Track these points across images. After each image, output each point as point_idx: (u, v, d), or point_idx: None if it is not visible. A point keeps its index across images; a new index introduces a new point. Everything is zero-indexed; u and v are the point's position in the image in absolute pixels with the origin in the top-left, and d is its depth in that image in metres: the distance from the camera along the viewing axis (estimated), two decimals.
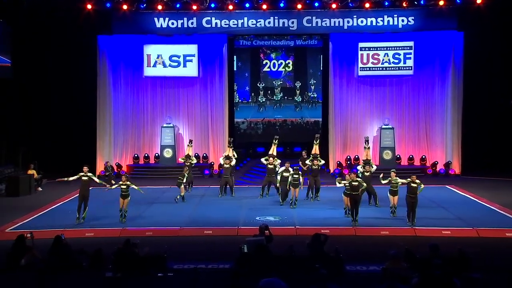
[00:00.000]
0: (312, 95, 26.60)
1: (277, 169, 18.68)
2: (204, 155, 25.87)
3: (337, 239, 12.48)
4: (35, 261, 9.74)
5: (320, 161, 18.94)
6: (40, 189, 21.76)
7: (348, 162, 25.46)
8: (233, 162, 19.86)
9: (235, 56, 26.59)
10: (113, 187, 16.19)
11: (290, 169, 17.76)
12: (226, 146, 25.23)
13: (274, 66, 26.68)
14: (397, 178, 16.49)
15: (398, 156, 25.87)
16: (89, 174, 16.03)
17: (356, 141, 25.99)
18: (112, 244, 10.78)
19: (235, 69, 26.65)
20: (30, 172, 21.59)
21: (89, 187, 16.00)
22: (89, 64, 25.15)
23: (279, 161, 19.05)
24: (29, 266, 9.51)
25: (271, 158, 18.94)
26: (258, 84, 26.72)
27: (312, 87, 26.57)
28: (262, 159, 19.61)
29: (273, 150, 19.57)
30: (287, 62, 26.67)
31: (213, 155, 25.85)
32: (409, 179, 15.71)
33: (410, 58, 25.35)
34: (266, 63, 26.68)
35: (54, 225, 15.22)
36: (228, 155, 19.90)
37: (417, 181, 15.63)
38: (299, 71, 26.77)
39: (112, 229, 15.02)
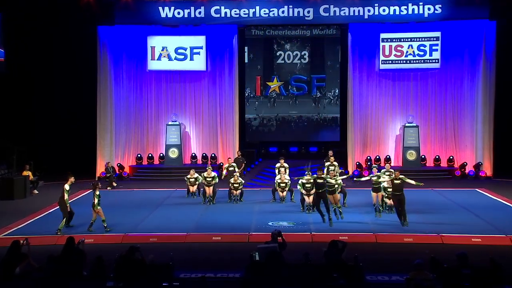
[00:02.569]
0: (329, 90, 26.54)
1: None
2: (213, 155, 25.91)
3: (356, 246, 12.43)
4: (31, 269, 9.80)
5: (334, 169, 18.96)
6: (36, 191, 21.90)
7: (368, 163, 25.38)
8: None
9: (246, 47, 26.60)
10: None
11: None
12: (236, 146, 25.43)
13: (288, 58, 26.65)
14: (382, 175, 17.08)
15: (423, 156, 25.75)
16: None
17: (377, 141, 25.94)
18: (113, 251, 10.84)
19: (246, 61, 26.67)
20: (25, 173, 21.72)
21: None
22: (89, 57, 25.29)
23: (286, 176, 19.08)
24: (24, 275, 9.57)
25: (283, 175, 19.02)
26: (271, 77, 26.70)
27: (329, 81, 26.53)
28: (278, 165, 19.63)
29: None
30: (302, 53, 26.63)
31: (222, 155, 25.88)
32: (391, 176, 16.05)
33: (436, 50, 25.21)
34: (280, 54, 26.67)
35: (52, 231, 15.30)
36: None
37: (401, 176, 15.73)
38: (316, 63, 26.72)
39: (114, 235, 15.08)
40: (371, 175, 17.60)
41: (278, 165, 19.64)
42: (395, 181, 15.86)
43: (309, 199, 17.46)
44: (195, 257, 13.22)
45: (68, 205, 15.65)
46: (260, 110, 26.71)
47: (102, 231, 15.37)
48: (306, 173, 17.59)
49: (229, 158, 22.44)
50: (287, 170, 19.32)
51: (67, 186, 15.73)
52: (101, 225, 15.42)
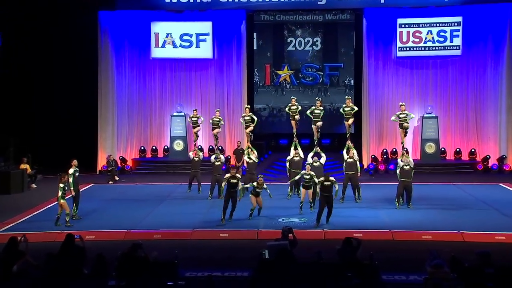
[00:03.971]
0: (343, 79, 26.45)
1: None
2: (220, 147, 25.87)
3: (371, 244, 12.41)
4: (29, 267, 9.85)
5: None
6: (34, 186, 22.03)
7: (385, 156, 25.30)
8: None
9: (255, 34, 26.53)
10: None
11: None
12: (245, 138, 25.33)
13: (300, 45, 26.56)
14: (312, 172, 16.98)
15: (442, 149, 25.64)
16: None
17: (393, 132, 25.79)
18: (115, 248, 10.87)
19: (255, 48, 26.61)
20: (22, 166, 21.84)
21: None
22: (89, 44, 25.34)
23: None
24: (22, 273, 9.61)
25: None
26: (281, 66, 26.64)
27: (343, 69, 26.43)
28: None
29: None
30: (314, 40, 26.53)
31: (229, 147, 25.86)
32: (322, 178, 15.83)
33: (457, 36, 25.03)
34: (291, 41, 26.57)
35: (50, 227, 15.39)
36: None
37: (332, 178, 15.72)
38: (329, 51, 26.62)
39: (116, 232, 15.13)
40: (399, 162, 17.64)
41: (289, 158, 19.52)
42: (326, 183, 15.66)
43: (303, 195, 17.12)
44: (201, 255, 13.24)
45: (72, 188, 15.96)
46: (269, 99, 26.66)
47: (102, 227, 15.43)
48: (306, 163, 17.77)
49: (239, 141, 22.36)
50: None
51: (71, 170, 16.07)
52: (101, 218, 15.48)
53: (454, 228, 15.15)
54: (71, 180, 16.02)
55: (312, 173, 16.91)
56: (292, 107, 20.27)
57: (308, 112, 19.93)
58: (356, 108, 19.81)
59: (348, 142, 19.03)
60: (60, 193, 15.46)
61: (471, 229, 15.13)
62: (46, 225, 15.68)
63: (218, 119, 21.23)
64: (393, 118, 20.14)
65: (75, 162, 16.37)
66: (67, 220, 15.56)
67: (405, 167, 17.33)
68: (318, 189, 16.15)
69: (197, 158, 20.09)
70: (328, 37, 26.51)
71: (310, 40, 26.50)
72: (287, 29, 26.62)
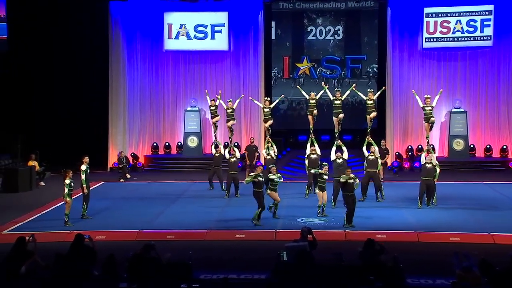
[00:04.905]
0: (366, 70, 26.34)
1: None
2: (236, 144, 25.90)
3: (396, 245, 12.38)
4: (38, 268, 9.93)
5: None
6: (42, 183, 22.21)
7: (409, 153, 25.17)
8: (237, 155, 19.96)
9: (273, 22, 26.47)
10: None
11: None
12: (262, 134, 25.34)
13: (320, 34, 26.50)
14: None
15: (472, 146, 25.46)
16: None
17: (419, 128, 25.64)
18: (126, 249, 10.92)
19: (273, 37, 26.56)
20: (30, 163, 22.01)
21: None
22: (99, 35, 25.51)
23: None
24: (30, 274, 9.70)
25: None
26: (300, 58, 26.57)
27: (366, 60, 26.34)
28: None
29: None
30: (336, 29, 26.44)
31: (246, 144, 25.85)
32: (342, 180, 15.59)
33: (488, 25, 24.84)
34: (311, 30, 26.50)
35: (59, 226, 15.50)
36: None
37: (352, 175, 15.61)
38: (351, 40, 26.51)
39: (127, 232, 15.19)
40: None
41: (307, 155, 19.41)
42: (349, 181, 15.55)
43: (321, 197, 16.56)
44: (216, 256, 13.26)
45: (84, 186, 16.04)
46: (288, 92, 26.63)
47: (113, 227, 15.52)
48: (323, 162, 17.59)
49: (252, 137, 22.42)
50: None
51: (83, 167, 16.16)
52: (112, 218, 15.54)
53: (484, 230, 15.01)
54: (83, 177, 16.09)
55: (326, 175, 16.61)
56: (311, 101, 20.16)
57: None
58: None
59: (368, 137, 18.87)
60: (66, 190, 15.54)
61: (502, 230, 15.00)
62: (55, 224, 15.78)
63: (231, 109, 21.06)
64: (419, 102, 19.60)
65: (86, 158, 16.43)
66: (66, 220, 15.60)
67: (427, 165, 17.21)
68: (339, 190, 15.99)
69: (218, 154, 20.07)
70: (350, 26, 26.43)
71: (332, 29, 26.43)
72: (307, 18, 26.57)
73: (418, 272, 11.41)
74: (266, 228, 15.41)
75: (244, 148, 21.14)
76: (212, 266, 12.08)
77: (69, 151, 23.93)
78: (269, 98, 21.68)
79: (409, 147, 25.50)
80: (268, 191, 16.31)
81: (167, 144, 26.41)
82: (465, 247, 13.49)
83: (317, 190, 16.70)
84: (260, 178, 15.83)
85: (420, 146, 25.13)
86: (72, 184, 15.76)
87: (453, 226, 15.47)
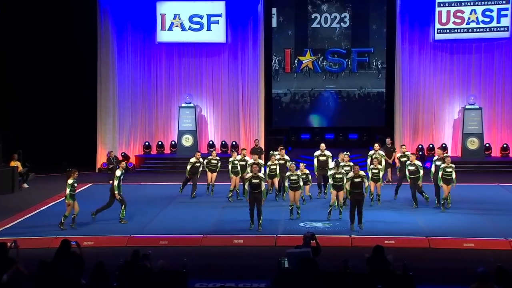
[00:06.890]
0: (373, 61, 26.37)
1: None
2: (234, 143, 25.95)
3: (405, 252, 12.42)
4: (20, 277, 9.93)
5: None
6: (25, 185, 22.19)
7: (420, 153, 25.19)
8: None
9: (274, 9, 26.43)
10: None
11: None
12: (262, 132, 25.36)
13: (326, 22, 26.50)
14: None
15: (487, 145, 25.50)
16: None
17: (430, 126, 25.74)
18: (117, 256, 10.94)
19: (274, 25, 26.53)
20: (13, 164, 21.96)
21: None
22: (87, 26, 25.50)
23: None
24: (12, 284, 9.70)
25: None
26: (303, 51, 26.59)
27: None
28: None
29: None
30: (342, 16, 26.44)
31: (244, 142, 25.90)
32: (351, 174, 15.81)
33: (505, 15, 24.90)
34: (316, 17, 26.49)
35: (44, 231, 15.49)
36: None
37: (361, 173, 15.75)
38: (358, 28, 26.50)
39: (118, 237, 15.22)
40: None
41: (317, 153, 19.31)
42: (355, 180, 15.68)
43: (335, 196, 16.64)
44: (213, 263, 13.28)
45: (116, 191, 16.26)
46: (291, 84, 26.59)
47: (102, 232, 15.53)
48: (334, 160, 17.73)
49: (256, 139, 22.34)
50: (330, 159, 18.93)
51: (118, 172, 16.51)
52: (100, 222, 15.54)
53: (500, 235, 15.05)
54: (116, 183, 16.29)
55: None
56: (272, 167, 18.75)
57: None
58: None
59: (373, 151, 19.03)
60: (68, 191, 15.54)
61: None
62: (39, 230, 15.80)
63: (216, 160, 20.02)
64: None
65: (123, 164, 17.12)
66: (62, 222, 15.63)
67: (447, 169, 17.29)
68: (348, 187, 15.99)
69: (198, 164, 19.71)
70: (357, 12, 26.41)
71: (337, 16, 26.42)
72: (311, 4, 26.53)
73: (429, 280, 11.41)
74: (266, 233, 15.43)
75: (249, 151, 20.94)
76: (208, 274, 12.09)
77: (54, 151, 23.99)
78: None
79: (420, 146, 25.51)
80: (289, 190, 16.63)
81: (160, 143, 26.43)
82: (479, 254, 13.56)
83: (331, 189, 16.83)
84: (255, 181, 15.66)
85: (431, 145, 25.17)
86: (75, 184, 15.82)
87: (467, 231, 15.50)
